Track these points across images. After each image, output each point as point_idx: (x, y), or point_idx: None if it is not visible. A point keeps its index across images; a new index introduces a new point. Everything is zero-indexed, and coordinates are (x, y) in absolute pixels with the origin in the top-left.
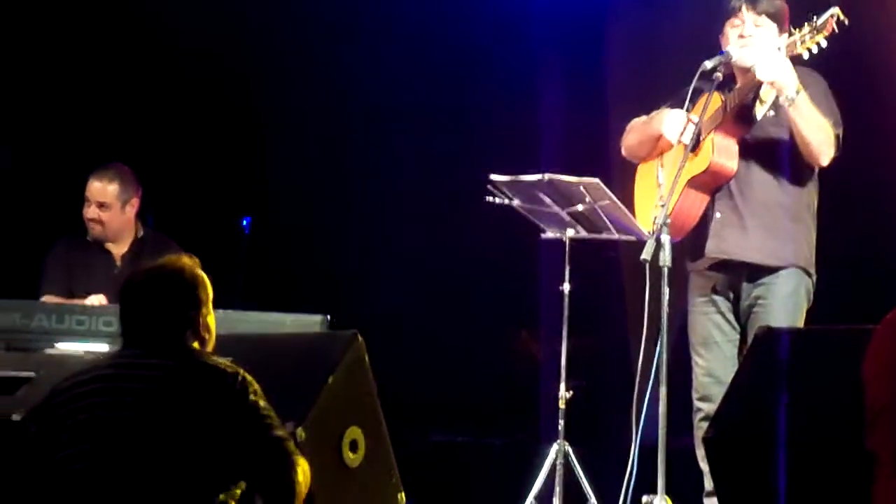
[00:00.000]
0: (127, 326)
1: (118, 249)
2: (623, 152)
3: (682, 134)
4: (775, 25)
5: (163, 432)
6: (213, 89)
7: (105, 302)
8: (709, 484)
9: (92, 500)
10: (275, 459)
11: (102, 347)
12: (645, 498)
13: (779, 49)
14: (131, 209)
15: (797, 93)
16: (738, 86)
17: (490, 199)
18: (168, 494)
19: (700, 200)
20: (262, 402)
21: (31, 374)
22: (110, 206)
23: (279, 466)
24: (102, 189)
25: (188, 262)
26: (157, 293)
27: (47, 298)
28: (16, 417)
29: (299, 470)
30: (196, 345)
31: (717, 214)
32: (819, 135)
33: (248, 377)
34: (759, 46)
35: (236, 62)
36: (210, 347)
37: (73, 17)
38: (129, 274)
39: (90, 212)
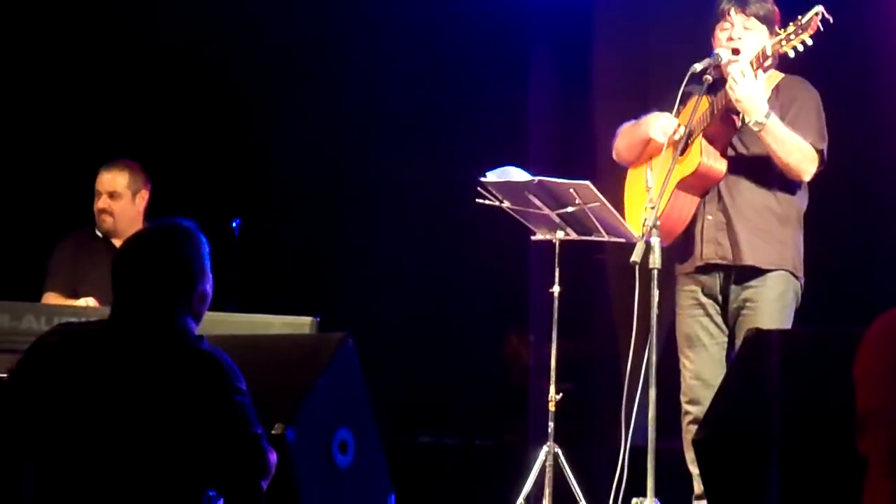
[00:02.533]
0: (118, 298)
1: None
2: (614, 156)
3: (671, 136)
4: (765, 27)
5: (142, 422)
6: (202, 90)
7: (95, 304)
8: (698, 487)
9: (67, 489)
10: (245, 459)
11: None
12: (635, 500)
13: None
14: (141, 201)
15: (767, 117)
16: (727, 88)
17: (480, 200)
18: (149, 489)
19: (689, 203)
20: (242, 399)
21: None
22: (121, 195)
23: (248, 469)
24: (112, 179)
25: (188, 226)
26: (157, 263)
27: (50, 296)
28: None
29: (266, 470)
30: (189, 319)
31: (708, 217)
32: (795, 154)
33: (233, 371)
34: (744, 61)
35: (228, 63)
36: (202, 317)
37: (66, 19)
38: (123, 244)
39: (101, 202)
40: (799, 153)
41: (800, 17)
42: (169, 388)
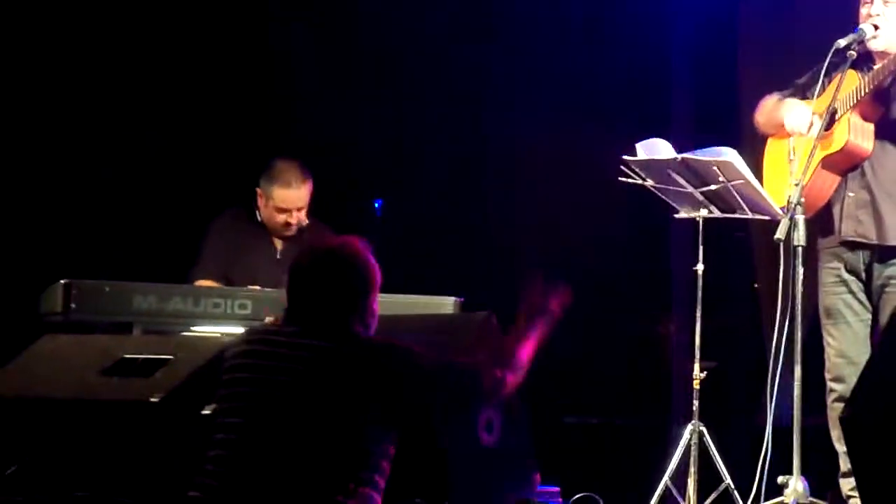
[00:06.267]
0: (293, 304)
1: None
2: (755, 125)
3: (808, 129)
4: None
5: (314, 412)
6: (344, 73)
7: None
8: (844, 465)
9: (233, 474)
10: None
11: (237, 330)
12: (780, 478)
13: None
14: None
15: None
16: (876, 67)
17: (624, 179)
18: (307, 475)
19: (831, 180)
20: (427, 358)
21: (169, 357)
22: (306, 204)
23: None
24: (301, 195)
25: (361, 246)
26: (330, 277)
27: (201, 284)
28: (154, 399)
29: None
30: (360, 329)
31: (850, 194)
32: None
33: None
34: (891, 28)
35: (371, 48)
36: (372, 331)
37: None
38: (301, 252)
39: (293, 219)
40: None
41: None
42: (357, 386)
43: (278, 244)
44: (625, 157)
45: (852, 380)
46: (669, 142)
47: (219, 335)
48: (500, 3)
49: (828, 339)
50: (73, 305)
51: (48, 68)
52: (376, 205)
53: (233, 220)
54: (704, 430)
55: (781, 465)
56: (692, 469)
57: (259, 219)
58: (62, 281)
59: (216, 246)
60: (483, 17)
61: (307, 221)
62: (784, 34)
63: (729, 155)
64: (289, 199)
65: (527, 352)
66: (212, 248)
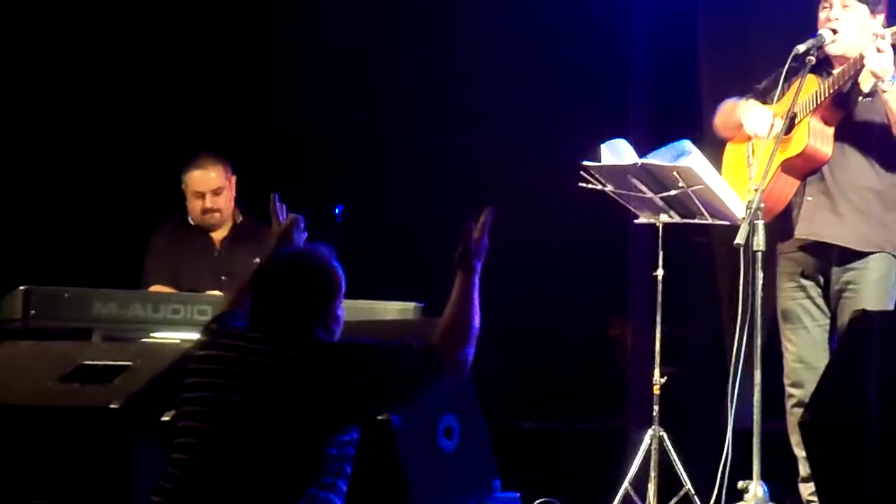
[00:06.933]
0: (257, 311)
1: (218, 234)
2: (714, 129)
3: (768, 132)
4: (864, 6)
5: (275, 418)
6: (301, 79)
7: None
8: (804, 469)
9: (194, 478)
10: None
11: (197, 336)
12: (741, 483)
13: (876, 35)
14: (233, 186)
15: (892, 81)
16: (835, 71)
17: (583, 185)
18: (268, 480)
19: (791, 184)
20: (383, 348)
21: (128, 363)
22: (223, 188)
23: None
24: (213, 177)
25: (325, 254)
26: (294, 284)
27: (156, 290)
28: (114, 406)
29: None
30: (324, 335)
31: (809, 198)
32: None
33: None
34: (849, 32)
35: (330, 51)
36: (336, 338)
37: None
38: (266, 260)
39: (208, 202)
40: None
41: None
42: (317, 394)
43: (217, 243)
44: (584, 164)
45: (811, 385)
46: (629, 140)
47: (178, 341)
48: (458, 2)
49: (786, 345)
50: (32, 312)
51: (14, 72)
52: (336, 210)
53: (171, 228)
54: (665, 434)
55: (741, 469)
56: (652, 474)
57: (192, 222)
58: (21, 287)
59: (160, 255)
60: (441, 17)
61: (227, 208)
62: (744, 30)
63: (691, 156)
64: (201, 181)
65: (475, 314)
66: (156, 257)
